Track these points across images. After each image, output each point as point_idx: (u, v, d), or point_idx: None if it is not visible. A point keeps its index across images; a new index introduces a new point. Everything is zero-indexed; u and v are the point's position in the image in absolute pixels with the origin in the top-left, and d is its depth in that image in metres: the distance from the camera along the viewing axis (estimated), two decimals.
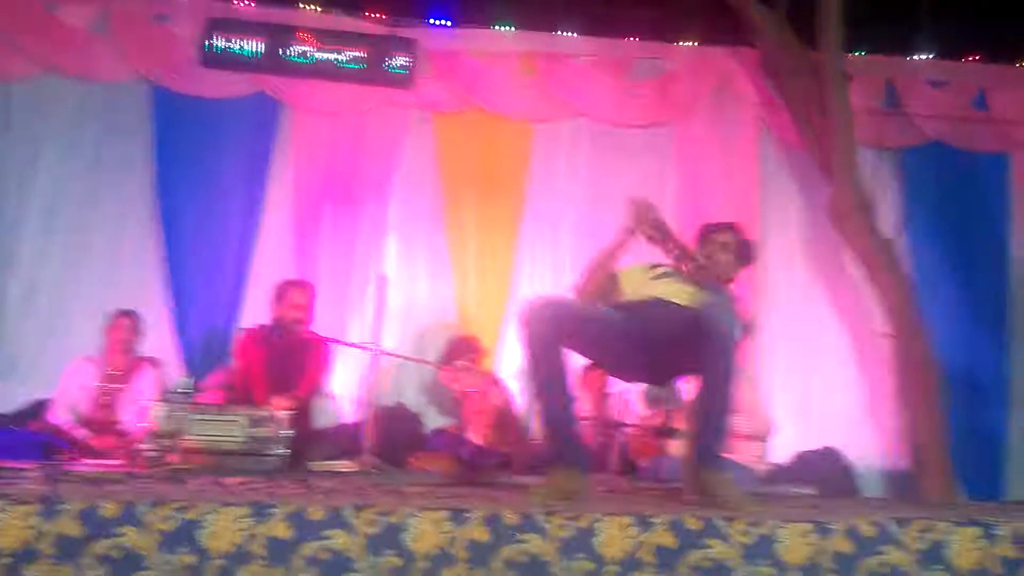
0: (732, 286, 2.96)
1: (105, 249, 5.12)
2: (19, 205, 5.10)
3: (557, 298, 2.74)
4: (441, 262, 5.30)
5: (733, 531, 1.82)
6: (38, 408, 4.44)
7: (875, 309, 4.77)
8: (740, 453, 3.82)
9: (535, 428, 4.60)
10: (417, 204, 5.38)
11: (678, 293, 2.71)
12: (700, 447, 2.45)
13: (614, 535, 1.77)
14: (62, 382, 4.38)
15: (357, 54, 5.25)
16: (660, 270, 2.91)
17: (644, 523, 1.79)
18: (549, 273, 5.30)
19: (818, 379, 5.26)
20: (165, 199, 5.13)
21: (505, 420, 4.42)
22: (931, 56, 5.44)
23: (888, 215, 5.16)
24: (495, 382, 4.64)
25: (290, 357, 4.47)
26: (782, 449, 4.91)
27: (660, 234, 2.70)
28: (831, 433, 5.10)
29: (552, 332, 2.41)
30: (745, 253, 3.02)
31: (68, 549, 1.67)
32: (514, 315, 2.49)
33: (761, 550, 1.82)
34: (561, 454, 2.40)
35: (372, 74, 5.26)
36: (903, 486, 4.72)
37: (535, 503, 2.28)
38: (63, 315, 4.98)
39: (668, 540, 1.82)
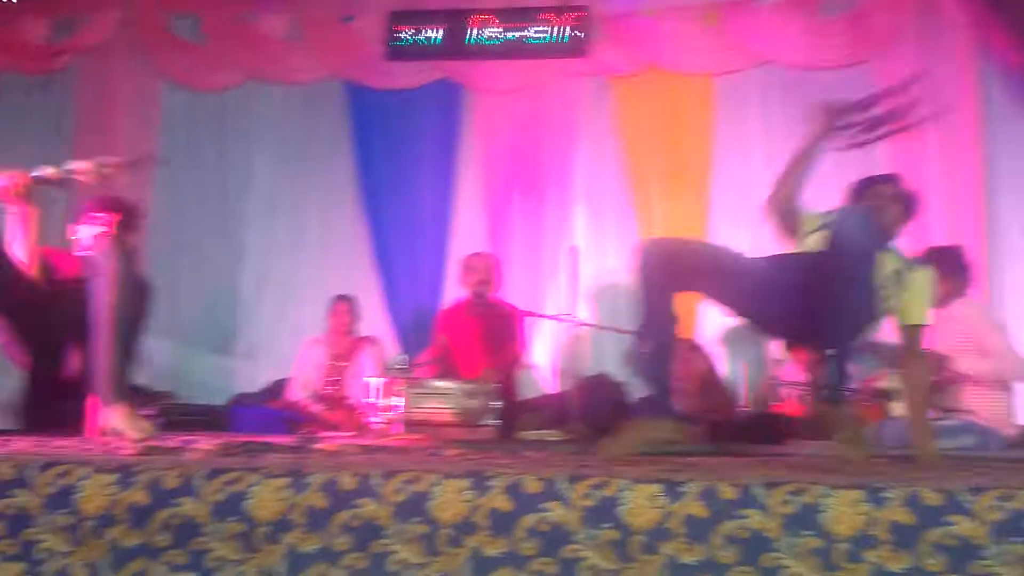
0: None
1: (319, 238, 5.53)
2: (243, 202, 5.60)
3: (675, 239, 2.68)
4: (630, 229, 5.27)
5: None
6: (278, 387, 4.88)
7: None
8: (982, 412, 3.54)
9: (743, 394, 4.52)
10: (601, 172, 5.37)
11: None
12: (825, 381, 2.30)
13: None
14: (296, 362, 4.79)
15: (530, 29, 5.31)
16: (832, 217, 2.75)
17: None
18: (745, 231, 5.12)
19: None
20: (366, 188, 5.46)
21: (710, 386, 4.36)
22: None
23: None
24: (695, 348, 4.57)
25: (491, 330, 4.65)
26: None
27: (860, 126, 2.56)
28: None
29: (662, 275, 2.34)
30: (912, 205, 2.78)
31: (316, 519, 1.81)
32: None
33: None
34: (650, 402, 2.33)
35: (547, 47, 5.30)
36: None
37: (609, 455, 2.27)
38: (289, 301, 5.45)
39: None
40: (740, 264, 2.57)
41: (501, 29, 5.35)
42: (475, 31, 5.36)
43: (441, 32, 5.39)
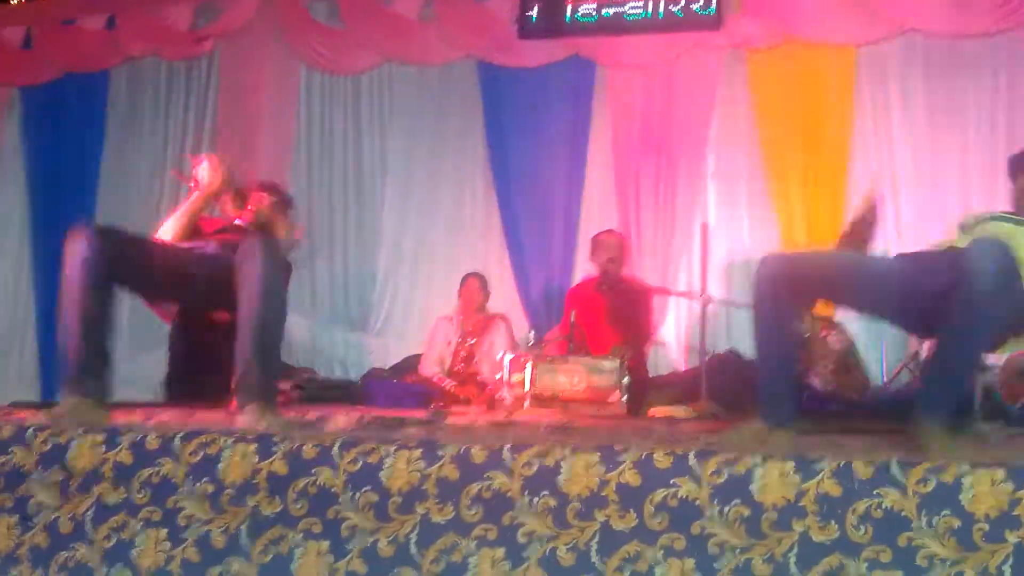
0: None
1: (451, 217, 5.65)
2: (378, 184, 5.78)
3: (794, 255, 2.58)
4: (764, 205, 5.12)
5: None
6: (412, 362, 5.04)
7: None
8: None
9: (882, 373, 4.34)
10: (735, 147, 5.23)
11: (1008, 235, 2.35)
12: (925, 392, 2.17)
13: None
14: (428, 339, 4.94)
15: (664, 3, 5.20)
16: (1000, 214, 2.57)
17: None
18: (887, 208, 4.87)
19: None
20: (497, 167, 5.51)
21: (847, 365, 4.20)
22: None
23: None
24: (834, 326, 4.42)
25: (620, 307, 4.64)
26: None
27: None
28: None
29: (781, 293, 2.22)
30: None
31: (447, 491, 1.87)
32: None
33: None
34: (763, 406, 2.21)
35: (681, 20, 5.18)
36: None
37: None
38: (421, 279, 5.61)
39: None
40: (865, 266, 2.46)
41: (634, 4, 5.26)
42: (608, 7, 5.28)
43: (572, 9, 5.33)
